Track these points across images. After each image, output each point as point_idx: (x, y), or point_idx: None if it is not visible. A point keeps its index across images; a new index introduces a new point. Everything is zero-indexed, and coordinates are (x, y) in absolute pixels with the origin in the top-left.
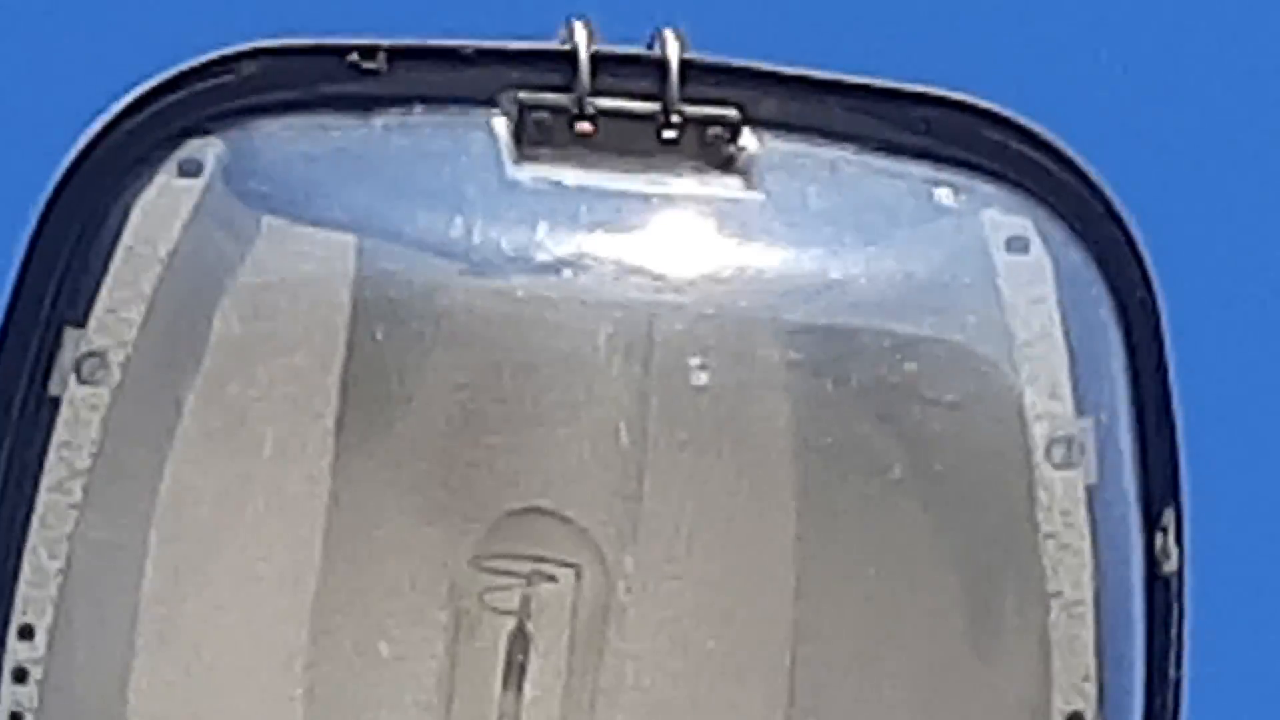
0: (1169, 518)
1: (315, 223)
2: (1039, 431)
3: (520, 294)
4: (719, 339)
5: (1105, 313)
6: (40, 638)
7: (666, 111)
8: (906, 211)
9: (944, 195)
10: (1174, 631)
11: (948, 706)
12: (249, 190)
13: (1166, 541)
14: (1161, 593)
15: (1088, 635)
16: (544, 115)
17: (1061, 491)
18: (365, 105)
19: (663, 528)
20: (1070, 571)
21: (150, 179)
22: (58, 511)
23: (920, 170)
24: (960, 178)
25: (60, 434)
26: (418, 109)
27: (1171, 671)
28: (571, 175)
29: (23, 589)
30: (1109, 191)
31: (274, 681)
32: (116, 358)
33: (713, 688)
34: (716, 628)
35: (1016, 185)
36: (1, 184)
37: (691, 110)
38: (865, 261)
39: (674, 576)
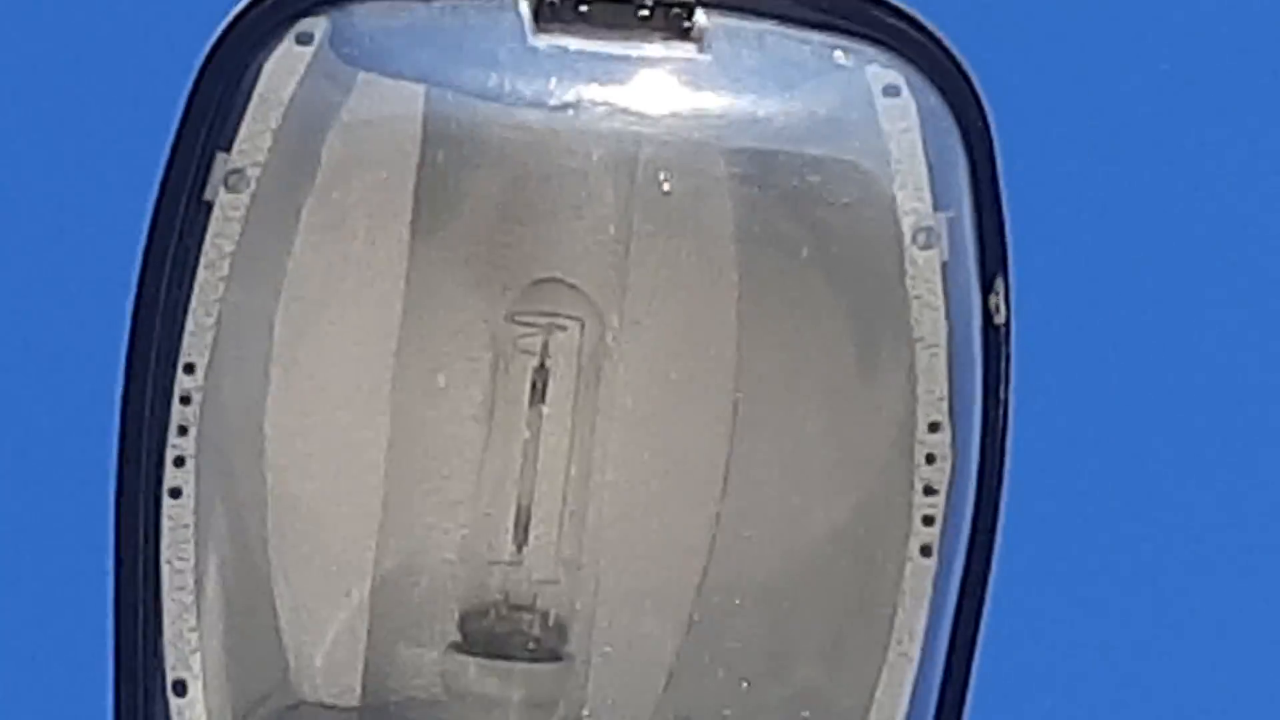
0: (999, 285)
1: (394, 77)
2: (907, 223)
3: (538, 127)
4: (680, 159)
5: (953, 140)
6: (199, 372)
7: None
8: (812, 67)
9: (839, 56)
10: (1002, 366)
11: (847, 423)
12: (347, 53)
13: (997, 301)
14: (994, 339)
15: (942, 368)
16: (555, 1)
17: (923, 265)
18: None
19: (641, 292)
20: (929, 323)
21: (276, 46)
22: (211, 284)
23: (822, 38)
24: (851, 43)
25: (212, 229)
26: None
27: (1001, 395)
28: (575, 43)
29: (187, 339)
30: (955, 51)
31: (367, 406)
32: (253, 174)
33: (676, 407)
34: (680, 362)
35: (890, 48)
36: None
37: None
38: (783, 103)
39: (649, 327)
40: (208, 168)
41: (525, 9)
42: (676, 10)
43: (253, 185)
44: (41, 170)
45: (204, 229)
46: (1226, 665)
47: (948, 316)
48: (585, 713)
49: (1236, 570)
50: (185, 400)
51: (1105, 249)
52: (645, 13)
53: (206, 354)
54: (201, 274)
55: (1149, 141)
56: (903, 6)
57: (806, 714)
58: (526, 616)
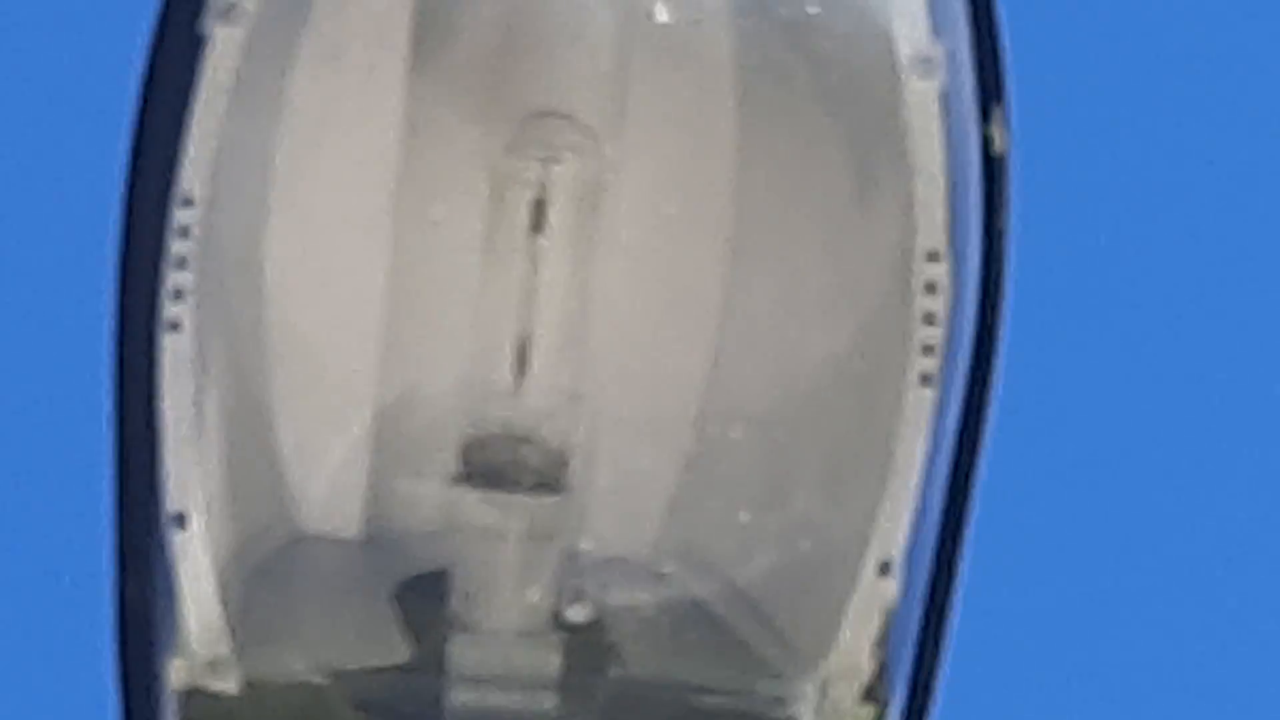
0: (996, 114)
1: None
2: (904, 53)
3: None
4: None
5: None
6: (198, 206)
7: None
8: None
9: None
10: (1000, 196)
11: (845, 253)
12: None
13: (994, 130)
14: (992, 168)
15: (940, 197)
16: None
17: (921, 96)
18: None
19: (639, 124)
20: (927, 152)
21: None
22: (208, 117)
23: None
24: None
25: (209, 62)
26: None
27: (999, 225)
28: None
29: (185, 172)
30: None
31: (366, 238)
32: (249, 6)
33: (674, 239)
34: (677, 194)
35: None
36: None
37: None
38: None
39: (647, 159)
40: (201, 2)
41: None
42: None
43: (248, 18)
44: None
45: (200, 62)
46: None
47: (945, 146)
48: (584, 544)
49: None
50: (184, 233)
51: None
52: None
53: (205, 187)
54: (199, 107)
55: None
56: None
57: (806, 544)
58: (526, 448)
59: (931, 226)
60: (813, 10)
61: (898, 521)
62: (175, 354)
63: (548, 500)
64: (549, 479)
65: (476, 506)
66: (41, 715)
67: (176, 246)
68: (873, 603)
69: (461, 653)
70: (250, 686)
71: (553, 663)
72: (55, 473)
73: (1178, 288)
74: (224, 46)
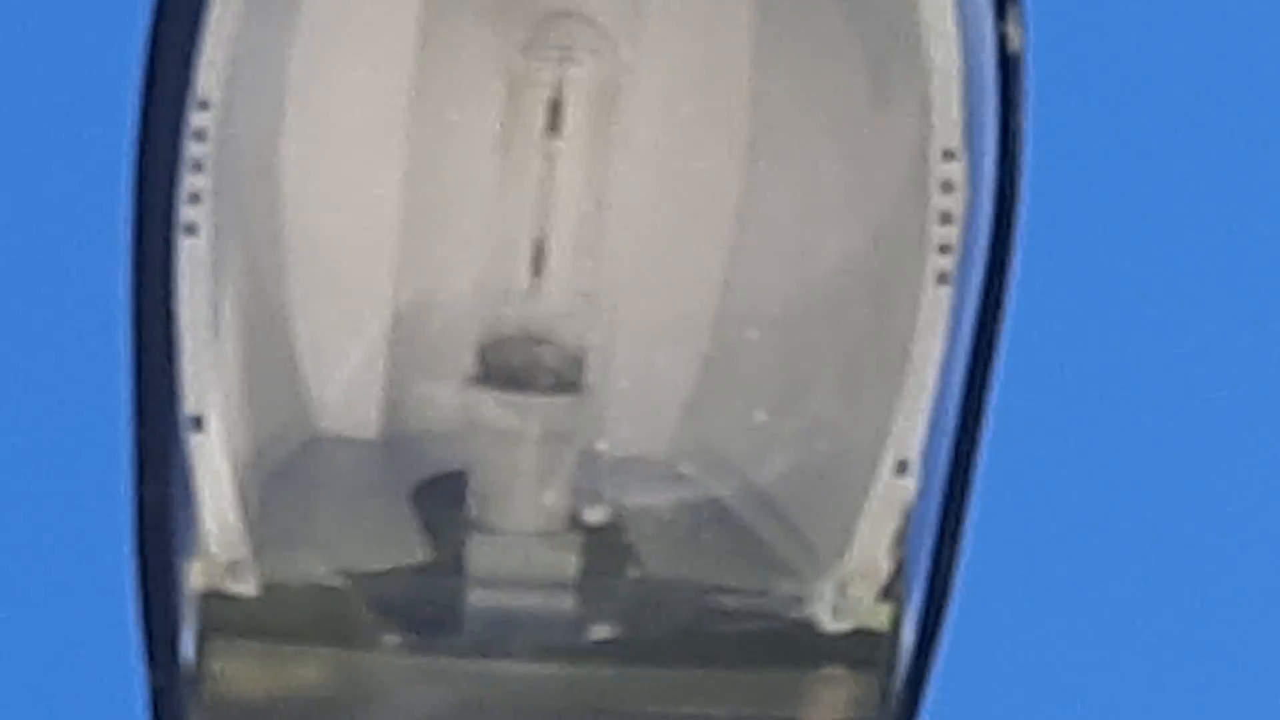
0: (1012, 12)
1: None
2: None
3: None
4: None
5: None
6: (214, 109)
7: None
8: None
9: None
10: (1017, 95)
11: (861, 152)
12: None
13: (1010, 28)
14: (1008, 66)
15: (956, 95)
16: None
17: None
18: None
19: (655, 25)
20: (943, 51)
21: None
22: (225, 20)
23: None
24: None
25: None
26: None
27: (1016, 124)
28: None
29: (201, 75)
30: None
31: (382, 140)
32: None
33: (690, 140)
34: (693, 95)
35: None
36: None
37: None
38: None
39: (662, 60)
40: None
41: None
42: None
43: None
44: None
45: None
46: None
47: (961, 44)
48: (601, 445)
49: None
50: (200, 137)
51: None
52: None
53: (221, 91)
54: (214, 11)
55: None
56: None
57: (823, 444)
58: (543, 349)
59: (947, 125)
60: None
61: (915, 420)
62: (192, 258)
63: (564, 401)
64: (566, 380)
65: (494, 408)
66: (65, 622)
67: (193, 150)
68: (890, 502)
69: (479, 554)
70: (268, 589)
71: (570, 563)
72: (75, 381)
73: (1196, 196)
74: None
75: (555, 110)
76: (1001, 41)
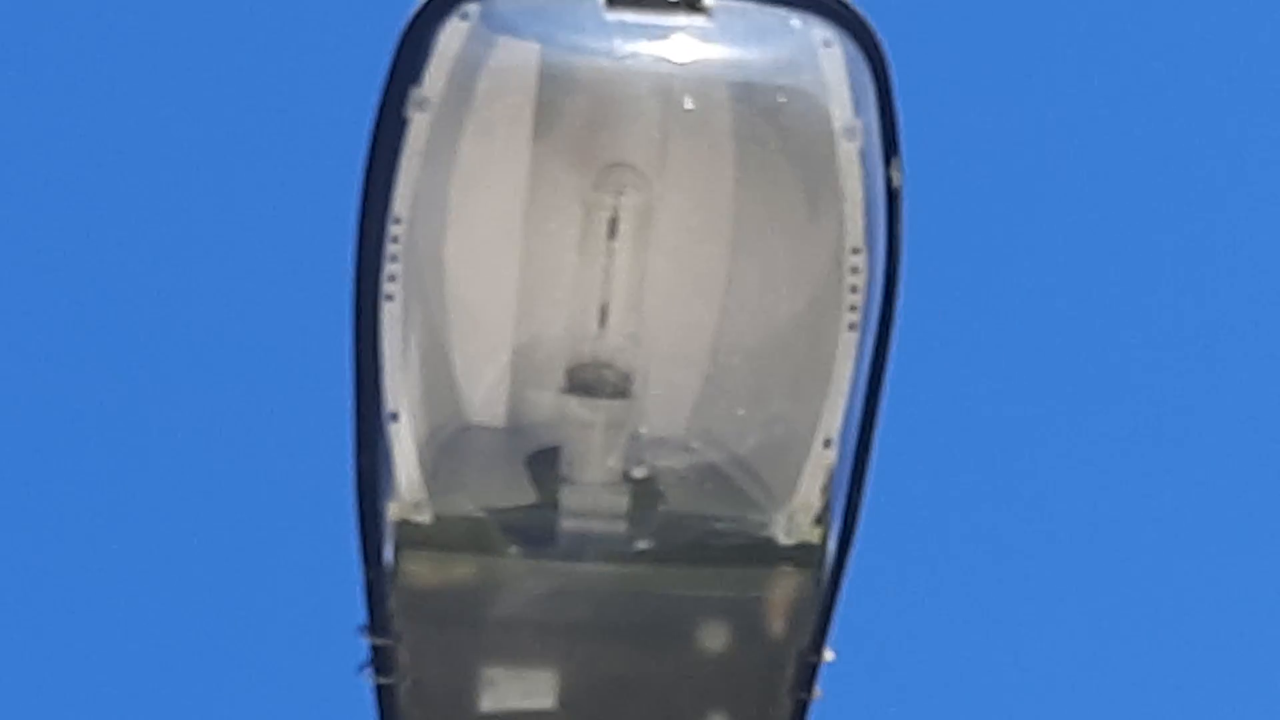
0: (895, 163)
1: (519, 38)
2: (837, 125)
3: (606, 64)
4: (698, 87)
5: (865, 73)
6: (404, 223)
7: None
8: (777, 29)
9: (794, 21)
10: (898, 215)
11: (805, 251)
12: (491, 25)
13: (893, 172)
14: (892, 197)
15: (859, 214)
16: None
17: (848, 151)
18: None
19: (674, 171)
20: (851, 185)
21: (447, 21)
22: (409, 170)
23: (783, 11)
24: (801, 14)
25: (410, 136)
26: None
27: (896, 231)
28: (630, 16)
29: (395, 203)
30: (865, 16)
31: (507, 243)
32: (433, 99)
33: (696, 244)
34: (699, 216)
35: (824, 16)
36: None
37: None
38: (760, 51)
39: (679, 194)
40: (405, 98)
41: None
42: None
43: (433, 107)
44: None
45: (404, 135)
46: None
47: (862, 182)
48: (642, 429)
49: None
50: (395, 240)
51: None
52: None
53: (407, 211)
54: (403, 162)
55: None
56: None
57: (780, 429)
58: (606, 370)
59: (855, 231)
60: (781, 100)
61: (835, 414)
62: (391, 315)
63: (619, 403)
64: (620, 390)
65: (576, 408)
66: (313, 541)
67: (390, 248)
68: (820, 465)
69: (567, 497)
70: (437, 518)
71: (623, 503)
72: (321, 390)
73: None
74: (418, 126)
75: (613, 224)
76: (888, 180)
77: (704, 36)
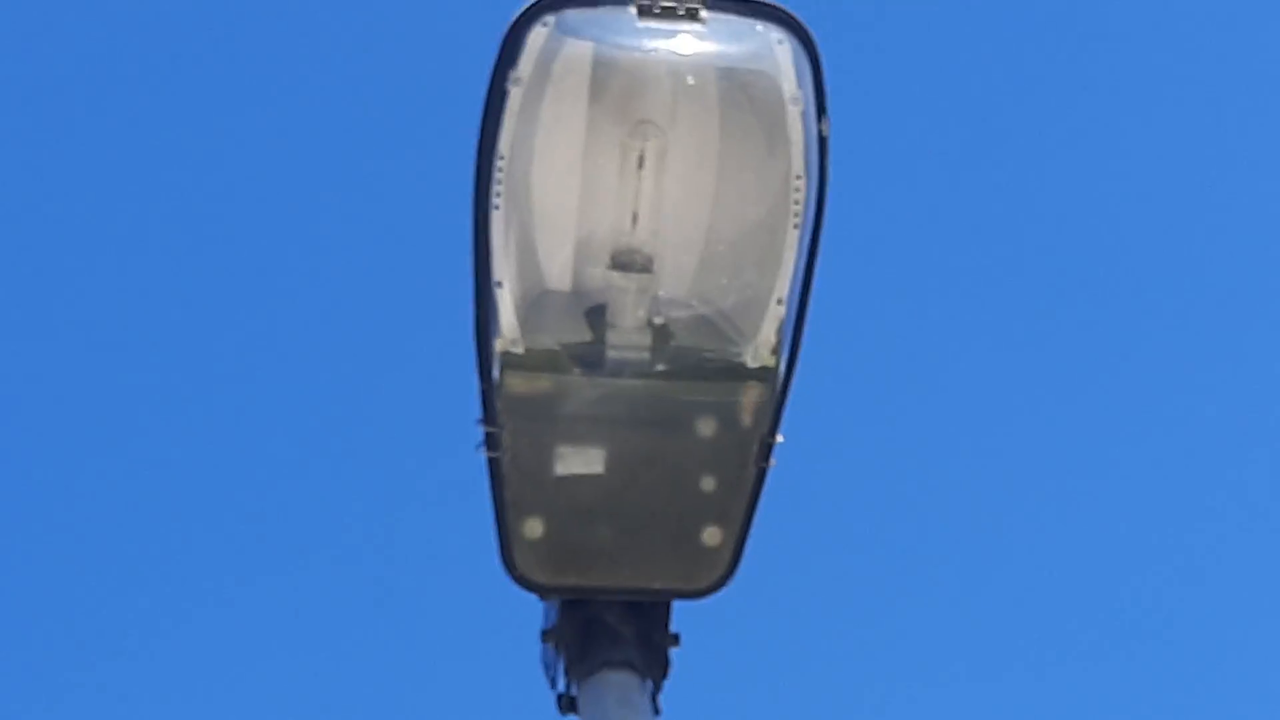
0: (824, 121)
1: (582, 39)
2: (786, 94)
3: (636, 55)
4: (696, 70)
5: (805, 61)
6: (504, 159)
7: (682, 4)
8: (746, 32)
9: (759, 26)
10: (826, 155)
11: (766, 176)
12: (563, 30)
13: (824, 126)
14: (822, 142)
15: (799, 154)
16: (646, 5)
17: (792, 112)
18: (593, 4)
19: (681, 126)
20: (796, 134)
21: (534, 27)
22: (509, 128)
23: (748, 19)
24: (762, 21)
25: (509, 107)
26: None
27: (825, 165)
28: (654, 24)
29: (500, 143)
30: (803, 22)
31: (571, 173)
32: (524, 79)
33: (691, 176)
34: (695, 156)
35: (777, 22)
36: None
37: (687, 5)
38: (737, 46)
39: (684, 142)
40: (506, 77)
41: (633, 10)
42: (692, 9)
43: (524, 84)
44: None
45: (506, 100)
46: None
47: (804, 133)
48: (660, 293)
49: None
50: (500, 169)
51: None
52: (681, 11)
53: (508, 150)
54: (505, 118)
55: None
56: (781, 6)
57: (750, 291)
58: (636, 255)
59: (798, 164)
60: (750, 78)
61: (785, 282)
62: (497, 218)
63: (644, 276)
64: (645, 267)
65: (617, 278)
66: (451, 365)
67: (497, 175)
68: (775, 315)
69: (611, 337)
70: (527, 350)
71: (647, 340)
72: (452, 271)
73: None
74: (514, 95)
75: (641, 159)
76: (820, 131)
77: (700, 37)
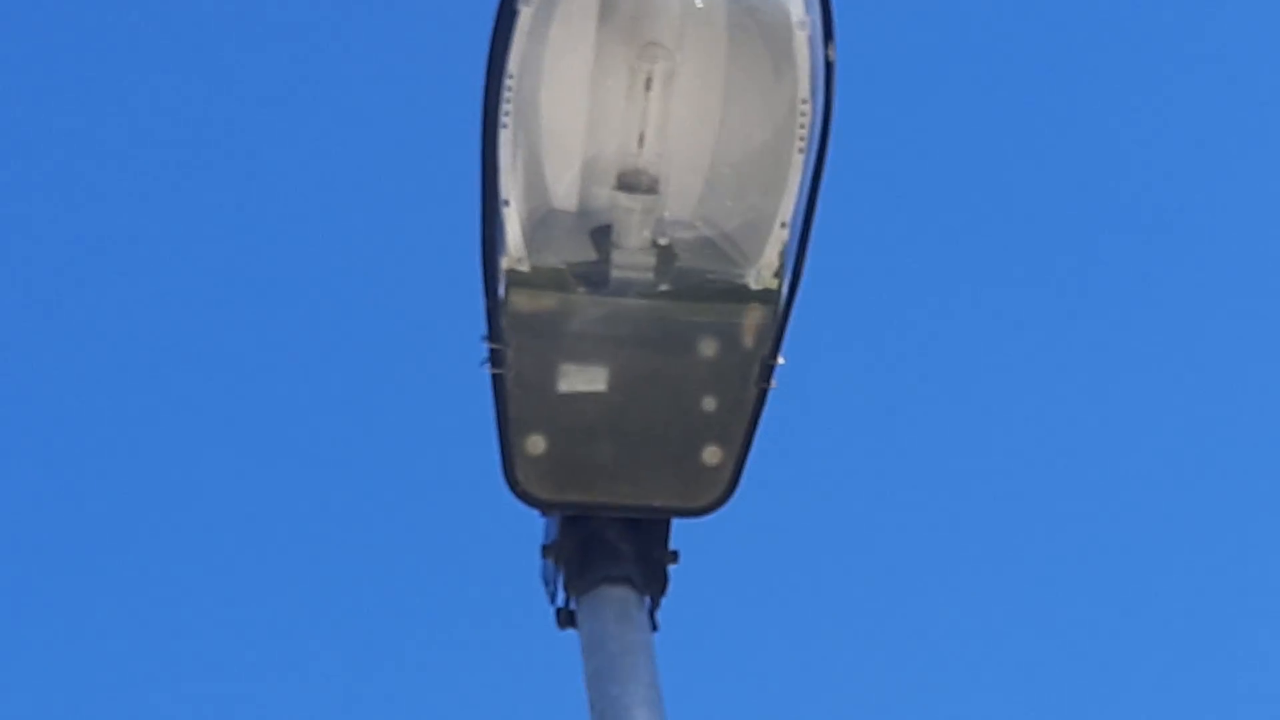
0: (830, 45)
1: None
2: (795, 19)
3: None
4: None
5: None
6: (514, 78)
7: None
8: None
9: None
10: (832, 74)
11: (773, 98)
12: None
13: (830, 50)
14: (829, 66)
15: (805, 76)
16: None
17: (801, 37)
18: None
19: (690, 48)
20: (803, 57)
21: None
22: (519, 42)
23: None
24: None
25: (520, 19)
26: None
27: (830, 85)
28: None
29: (509, 61)
30: None
31: (578, 97)
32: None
33: (699, 99)
34: (703, 78)
35: None
36: None
37: None
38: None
39: (692, 65)
40: (514, 1)
41: None
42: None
43: (532, 5)
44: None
45: (515, 19)
46: None
47: (809, 56)
48: (665, 214)
49: None
50: (509, 89)
51: None
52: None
53: (517, 69)
54: (515, 36)
55: None
56: None
57: (754, 214)
58: (642, 176)
59: (804, 87)
60: (757, 7)
61: (789, 205)
62: (505, 137)
63: (650, 197)
64: (651, 188)
65: (623, 199)
66: (456, 280)
67: (506, 94)
68: (778, 238)
69: (616, 256)
70: (533, 268)
71: (651, 261)
72: (458, 189)
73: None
74: (524, 16)
75: (649, 81)
76: (826, 56)
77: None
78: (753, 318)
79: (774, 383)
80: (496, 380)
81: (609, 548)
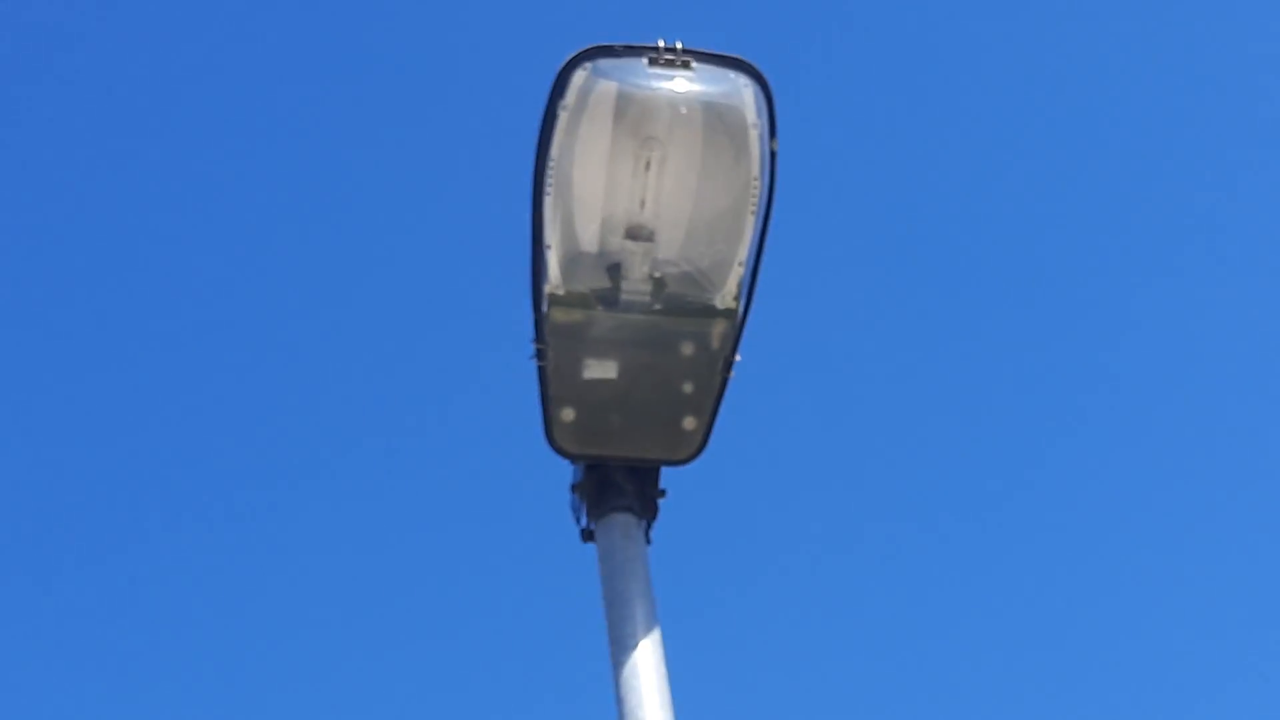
0: (773, 141)
1: (608, 79)
2: (749, 118)
3: (650, 94)
4: (688, 103)
5: (761, 97)
6: (553, 164)
7: (678, 58)
8: (720, 77)
9: (730, 74)
10: (774, 164)
11: (734, 178)
12: (596, 73)
13: (773, 144)
14: (773, 156)
15: (756, 160)
16: (654, 57)
17: (753, 134)
18: (617, 55)
19: (676, 144)
20: (756, 148)
21: (578, 71)
22: (557, 137)
23: (723, 68)
24: (733, 69)
25: (558, 123)
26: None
27: (771, 172)
28: (659, 71)
29: (549, 151)
30: (758, 68)
31: (597, 175)
32: (570, 106)
33: (683, 180)
34: (685, 165)
35: (740, 69)
36: None
37: (681, 58)
38: (716, 85)
39: (678, 154)
40: (557, 104)
41: (645, 61)
42: (685, 61)
43: (570, 110)
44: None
45: (555, 122)
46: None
47: (760, 148)
48: (658, 255)
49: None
50: (550, 169)
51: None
52: (680, 61)
53: (554, 159)
54: (555, 135)
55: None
56: (746, 60)
57: (719, 255)
58: (642, 229)
59: (755, 169)
60: (726, 108)
61: (744, 250)
62: (548, 202)
63: (648, 244)
64: (648, 238)
65: (630, 244)
66: (512, 299)
67: (549, 173)
68: (736, 273)
69: (623, 285)
70: (567, 292)
71: (649, 288)
72: (516, 241)
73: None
74: (563, 118)
75: (648, 164)
76: (770, 148)
77: (690, 80)
78: (718, 328)
79: (733, 373)
80: (540, 370)
81: (617, 487)
